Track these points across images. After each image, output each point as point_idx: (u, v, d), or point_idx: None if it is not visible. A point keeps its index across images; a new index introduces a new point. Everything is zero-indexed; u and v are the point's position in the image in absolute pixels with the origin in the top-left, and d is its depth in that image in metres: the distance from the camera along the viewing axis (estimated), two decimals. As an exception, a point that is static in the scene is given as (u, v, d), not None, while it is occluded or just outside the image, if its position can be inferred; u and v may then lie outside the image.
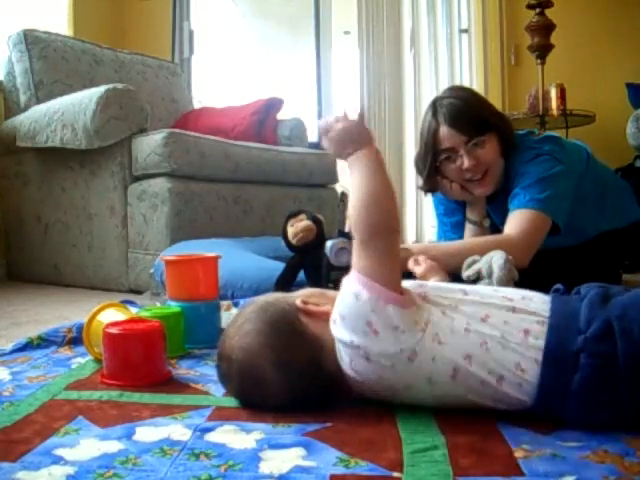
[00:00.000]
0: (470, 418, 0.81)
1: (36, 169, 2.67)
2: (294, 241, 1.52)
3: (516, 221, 1.54)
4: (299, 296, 0.91)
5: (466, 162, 1.59)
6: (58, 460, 0.70)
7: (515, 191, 1.59)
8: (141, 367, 1.02)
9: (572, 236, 1.65)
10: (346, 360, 0.84)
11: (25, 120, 2.58)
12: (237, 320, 0.91)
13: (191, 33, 3.96)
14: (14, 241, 2.81)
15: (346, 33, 5.02)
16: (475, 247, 1.45)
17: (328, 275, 1.37)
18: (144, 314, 1.19)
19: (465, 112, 1.60)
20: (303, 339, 0.86)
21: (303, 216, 1.53)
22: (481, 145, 1.59)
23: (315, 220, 1.52)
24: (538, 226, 1.53)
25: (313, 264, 1.47)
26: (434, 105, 1.64)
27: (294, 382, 0.84)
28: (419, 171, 1.73)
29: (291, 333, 0.87)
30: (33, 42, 2.68)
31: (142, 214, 2.32)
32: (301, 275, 1.57)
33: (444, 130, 1.60)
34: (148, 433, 0.78)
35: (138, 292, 2.26)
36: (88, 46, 2.93)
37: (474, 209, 1.75)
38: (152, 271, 2.04)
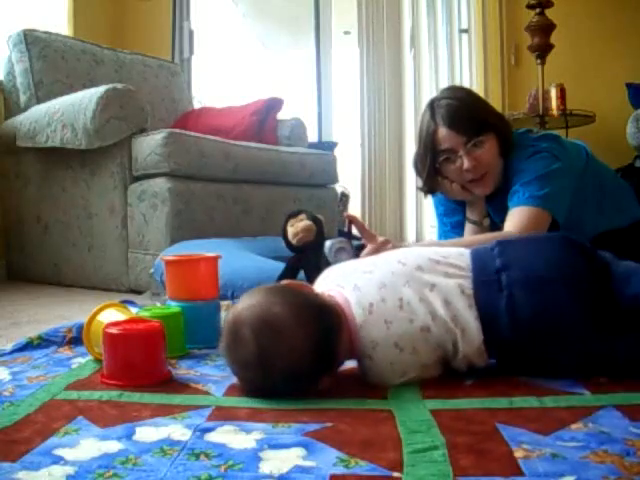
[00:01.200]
0: (470, 418, 0.81)
1: (36, 169, 2.67)
2: (294, 241, 1.52)
3: (516, 218, 1.54)
4: None
5: (466, 163, 1.59)
6: (58, 460, 0.70)
7: (514, 188, 1.59)
8: (141, 367, 1.02)
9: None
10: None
11: (25, 120, 2.58)
12: (240, 302, 0.96)
13: (191, 33, 3.96)
14: (14, 241, 2.81)
15: (346, 33, 5.02)
16: (476, 244, 1.45)
17: None
18: (144, 314, 1.19)
19: (463, 113, 1.60)
20: (306, 294, 0.98)
21: (303, 216, 1.53)
22: (480, 145, 1.59)
23: (315, 220, 1.52)
24: (538, 223, 1.53)
25: (313, 264, 1.47)
26: (432, 106, 1.64)
27: (311, 330, 0.89)
28: (418, 172, 1.73)
29: (295, 291, 0.97)
30: (33, 42, 2.68)
31: (142, 214, 2.32)
32: (301, 275, 1.57)
33: (443, 131, 1.60)
34: (148, 433, 0.78)
35: (138, 292, 2.25)
36: (88, 46, 2.93)
37: (474, 209, 1.75)
38: (152, 271, 2.04)
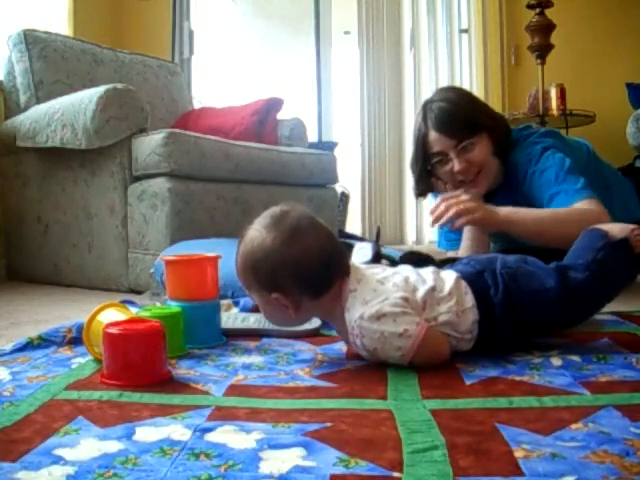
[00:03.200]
0: (470, 418, 0.81)
1: (36, 169, 2.67)
2: None
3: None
4: None
5: (457, 165, 1.60)
6: (58, 460, 0.70)
7: (553, 190, 1.54)
8: (141, 367, 1.02)
9: None
10: None
11: (25, 120, 2.58)
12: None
13: (191, 33, 3.96)
14: (14, 241, 2.81)
15: (346, 33, 5.02)
16: (562, 216, 1.47)
17: None
18: (144, 314, 1.19)
19: (453, 116, 1.60)
20: None
21: None
22: (471, 147, 1.60)
23: None
24: (600, 209, 1.50)
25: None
26: (424, 108, 1.65)
27: (330, 245, 1.11)
28: (413, 174, 1.74)
29: None
30: (33, 42, 2.69)
31: (142, 214, 2.32)
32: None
33: (433, 135, 1.61)
34: (148, 433, 0.78)
35: (138, 292, 2.25)
36: (88, 46, 2.93)
37: (471, 209, 1.75)
38: (152, 271, 2.04)
